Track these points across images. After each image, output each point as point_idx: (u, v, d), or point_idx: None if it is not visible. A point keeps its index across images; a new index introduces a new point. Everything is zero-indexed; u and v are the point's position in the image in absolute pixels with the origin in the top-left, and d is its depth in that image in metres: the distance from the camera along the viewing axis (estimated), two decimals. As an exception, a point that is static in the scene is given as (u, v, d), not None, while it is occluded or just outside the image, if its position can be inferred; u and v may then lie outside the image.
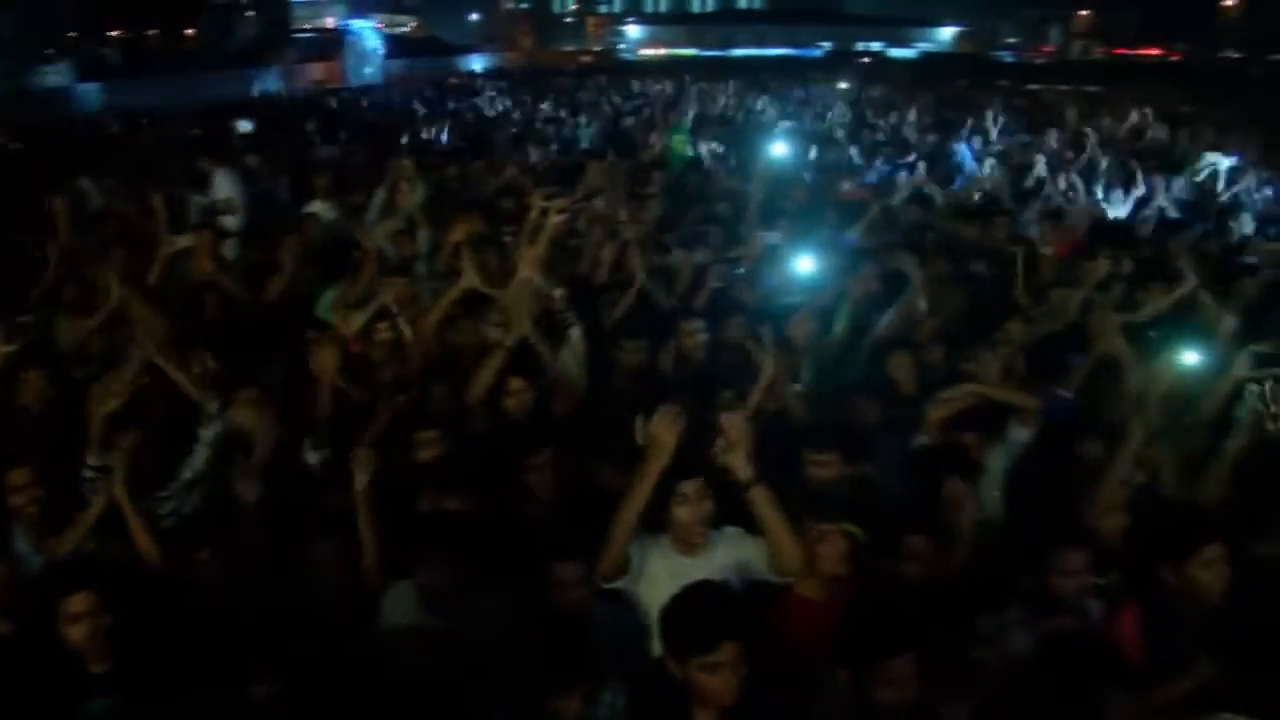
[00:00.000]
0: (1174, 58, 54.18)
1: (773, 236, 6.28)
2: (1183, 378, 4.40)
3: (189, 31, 41.62)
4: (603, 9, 72.44)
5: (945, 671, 2.93)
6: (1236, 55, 51.71)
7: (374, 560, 3.62)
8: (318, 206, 8.18)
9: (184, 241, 6.09)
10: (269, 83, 28.98)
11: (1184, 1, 59.76)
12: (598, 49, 61.29)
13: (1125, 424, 3.91)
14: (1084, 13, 65.77)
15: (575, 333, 4.94)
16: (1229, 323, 5.38)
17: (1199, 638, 3.09)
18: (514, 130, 15.68)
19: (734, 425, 3.24)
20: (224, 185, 8.58)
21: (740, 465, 3.22)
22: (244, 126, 15.97)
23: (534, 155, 11.76)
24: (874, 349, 4.82)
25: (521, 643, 2.97)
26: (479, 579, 3.40)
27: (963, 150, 10.63)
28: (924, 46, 60.69)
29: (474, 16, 64.99)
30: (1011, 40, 66.92)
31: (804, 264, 5.90)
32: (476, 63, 44.95)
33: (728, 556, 3.41)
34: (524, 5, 70.42)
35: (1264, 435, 4.05)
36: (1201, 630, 3.15)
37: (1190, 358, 4.48)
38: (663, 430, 3.23)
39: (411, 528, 3.57)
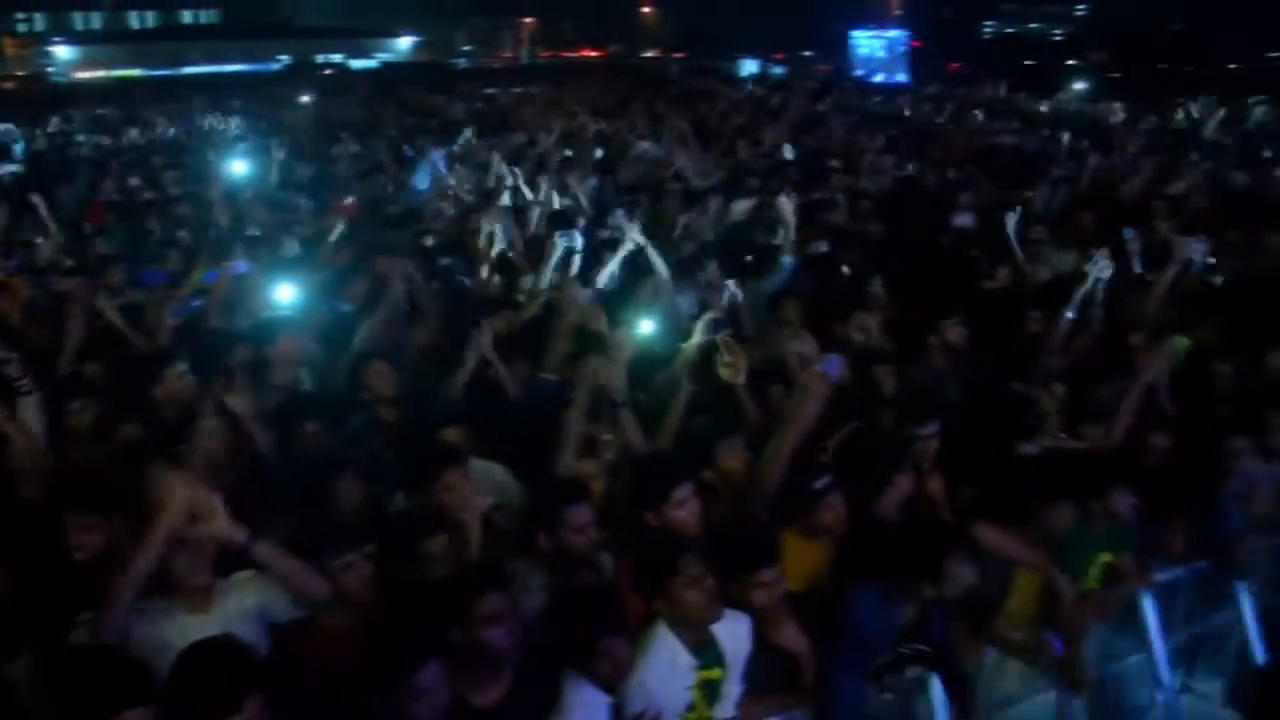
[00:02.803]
0: (604, 56, 60.48)
1: (241, 264, 5.97)
2: (648, 343, 4.86)
3: None
4: (22, 28, 63.39)
5: (470, 662, 3.00)
6: (656, 54, 59.10)
7: None
8: None
9: None
10: None
11: (611, 9, 67.07)
12: (20, 73, 53.52)
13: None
14: (528, 20, 70.70)
15: (27, 400, 4.27)
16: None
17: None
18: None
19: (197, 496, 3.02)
20: None
21: (229, 532, 3.05)
22: None
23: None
24: (355, 358, 4.77)
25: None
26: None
27: (433, 157, 10.91)
28: (384, 57, 61.25)
29: None
30: (467, 48, 70.02)
31: (284, 291, 5.70)
32: None
33: (243, 602, 3.23)
34: (-87, 26, 59.58)
35: (721, 383, 4.60)
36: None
37: (650, 326, 4.95)
38: (174, 491, 2.98)
39: None
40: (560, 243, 6.26)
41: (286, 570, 3.17)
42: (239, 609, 3.21)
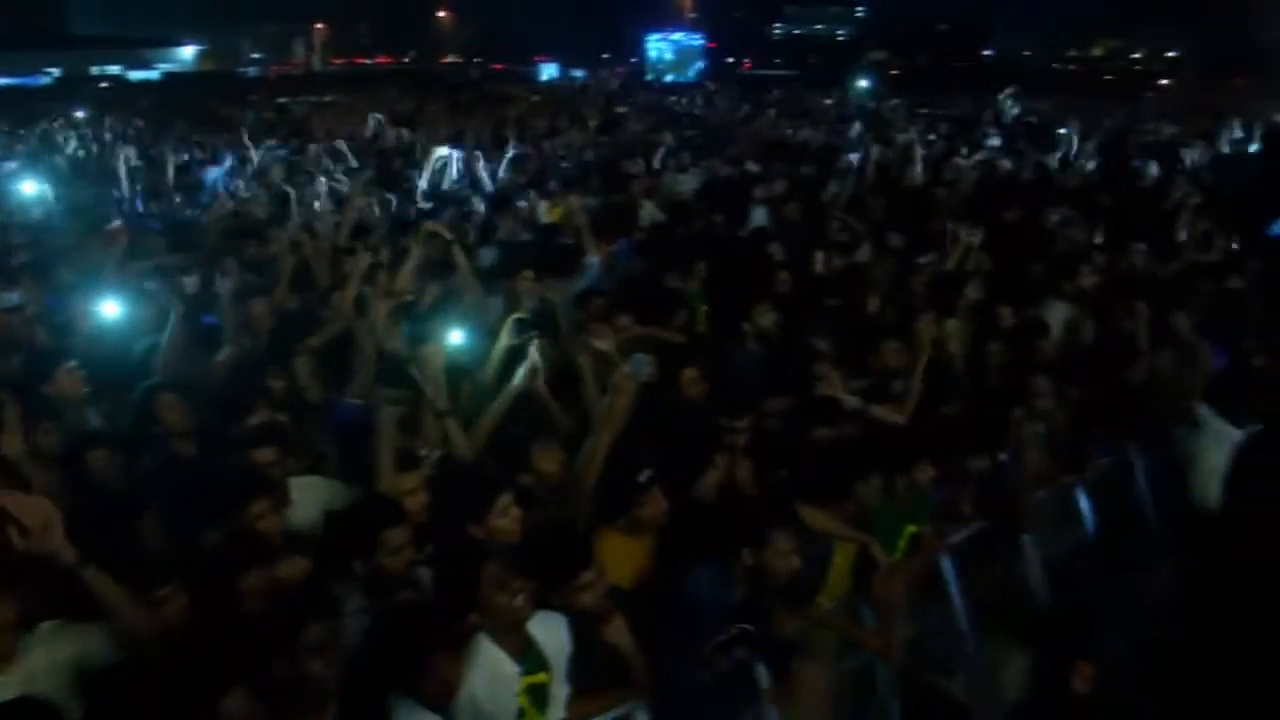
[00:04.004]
0: (398, 62, 59.44)
1: (6, 298, 5.52)
2: (459, 351, 4.78)
3: None
4: None
5: (294, 694, 2.89)
6: (455, 59, 58.53)
7: None
8: None
9: None
10: None
11: (406, 15, 65.84)
12: None
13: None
14: (319, 26, 68.45)
15: None
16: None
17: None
18: None
19: (30, 508, 2.84)
20: None
21: (61, 549, 2.86)
22: None
23: None
24: (142, 391, 4.49)
25: None
26: None
27: (214, 173, 10.44)
28: (167, 67, 58.01)
29: None
30: (256, 56, 67.17)
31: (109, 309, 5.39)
32: None
33: (51, 656, 3.01)
34: None
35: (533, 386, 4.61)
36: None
37: (459, 336, 4.86)
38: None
39: None
40: (363, 256, 6.10)
41: (112, 600, 2.98)
42: (48, 663, 2.99)
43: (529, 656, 3.21)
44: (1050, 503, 5.06)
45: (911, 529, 4.39)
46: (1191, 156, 11.97)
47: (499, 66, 52.15)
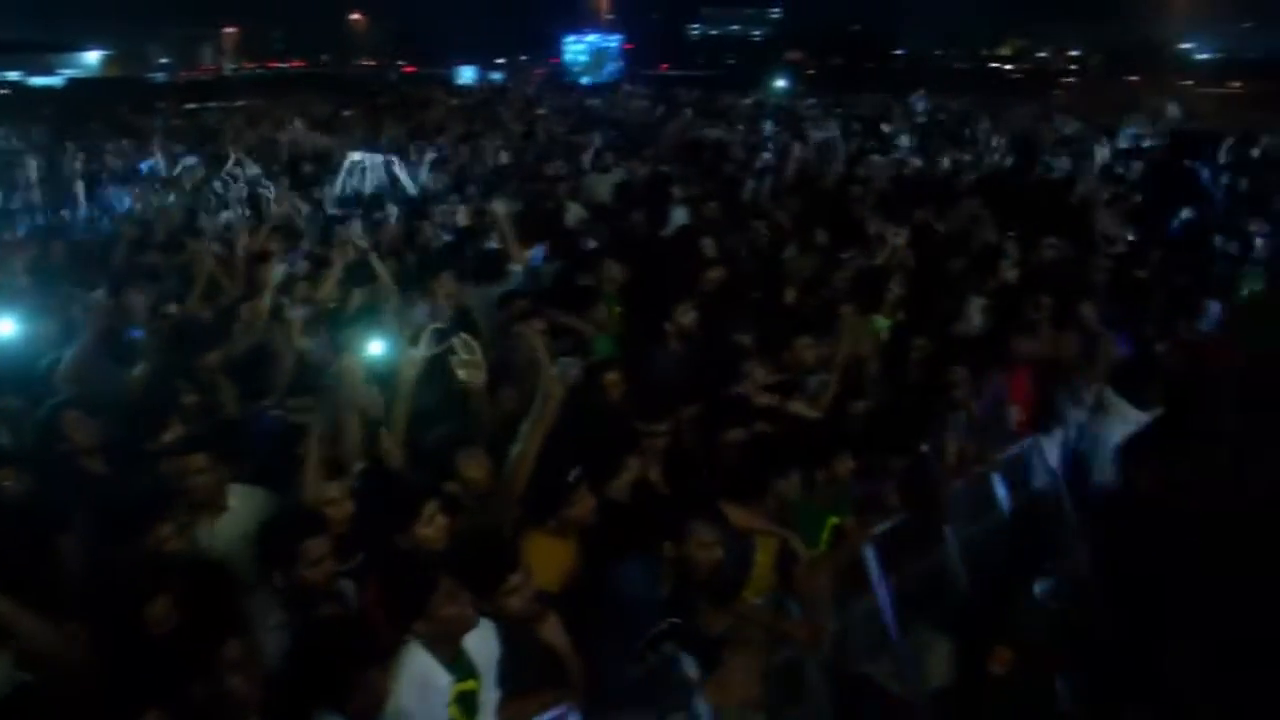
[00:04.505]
0: (309, 66, 58.53)
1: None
2: (379, 361, 4.69)
3: None
4: None
5: (212, 715, 2.83)
6: (370, 62, 57.84)
7: None
8: None
9: None
10: None
11: (320, 18, 64.76)
12: None
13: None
14: (230, 30, 66.92)
15: None
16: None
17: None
18: None
19: None
20: None
21: None
22: None
23: None
24: (48, 409, 4.34)
25: None
26: None
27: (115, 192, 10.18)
28: (70, 73, 56.07)
29: None
30: (164, 61, 65.36)
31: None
32: None
33: None
34: None
35: (454, 390, 4.56)
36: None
37: (379, 346, 4.75)
38: None
39: None
40: (279, 264, 5.98)
41: (25, 627, 2.93)
42: None
43: (459, 664, 3.18)
44: (968, 490, 5.18)
45: (834, 521, 4.46)
46: (1099, 152, 12.36)
47: (411, 69, 51.57)
